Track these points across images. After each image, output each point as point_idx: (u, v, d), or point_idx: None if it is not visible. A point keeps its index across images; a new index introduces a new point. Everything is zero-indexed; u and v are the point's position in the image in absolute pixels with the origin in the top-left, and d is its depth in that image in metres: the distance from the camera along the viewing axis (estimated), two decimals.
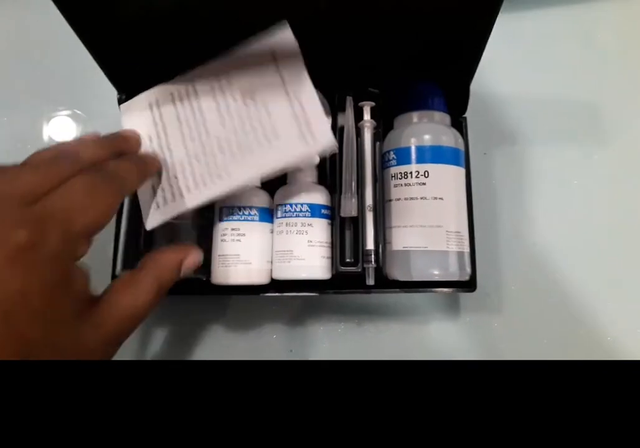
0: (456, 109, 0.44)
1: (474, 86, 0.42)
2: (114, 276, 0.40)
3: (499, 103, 0.51)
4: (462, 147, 0.42)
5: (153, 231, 0.38)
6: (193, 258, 0.33)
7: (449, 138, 0.41)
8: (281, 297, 0.40)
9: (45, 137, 0.51)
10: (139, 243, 0.40)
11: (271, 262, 0.40)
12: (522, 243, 0.48)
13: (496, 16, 0.35)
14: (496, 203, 0.49)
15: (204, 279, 0.40)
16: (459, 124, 0.44)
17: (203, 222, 0.41)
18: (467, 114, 0.44)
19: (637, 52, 0.53)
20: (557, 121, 0.51)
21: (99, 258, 0.42)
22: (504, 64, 0.51)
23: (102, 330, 0.27)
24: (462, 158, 0.42)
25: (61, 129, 0.51)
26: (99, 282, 0.40)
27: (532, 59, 0.53)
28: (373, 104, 0.42)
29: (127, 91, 0.41)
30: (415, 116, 0.42)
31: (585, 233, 0.48)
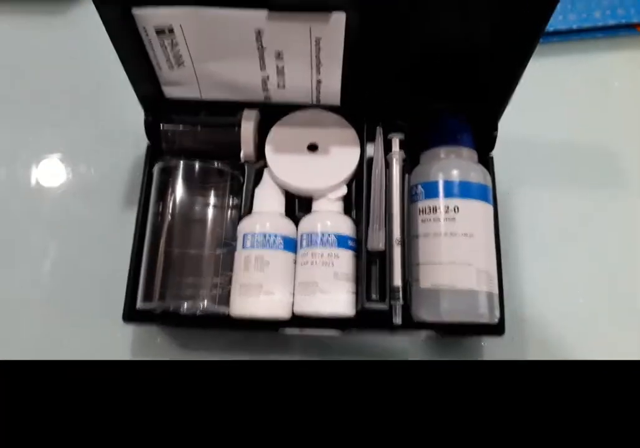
0: (483, 146, 0.43)
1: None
2: (131, 307, 0.38)
3: (522, 144, 0.51)
4: (490, 184, 0.41)
5: (171, 261, 0.37)
6: None
7: (477, 174, 0.40)
8: (302, 335, 0.38)
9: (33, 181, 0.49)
10: (156, 273, 0.38)
11: (293, 295, 0.38)
12: (547, 285, 0.46)
13: (528, 60, 0.36)
14: (518, 244, 0.48)
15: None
16: (485, 162, 0.43)
17: (223, 251, 0.39)
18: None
19: None
20: (580, 164, 0.51)
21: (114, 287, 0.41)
22: (524, 105, 0.51)
23: None
24: (490, 195, 0.41)
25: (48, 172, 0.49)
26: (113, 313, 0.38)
27: (554, 104, 0.53)
28: (402, 135, 0.42)
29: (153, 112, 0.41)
30: (442, 152, 0.41)
31: (608, 278, 0.47)
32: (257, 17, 0.34)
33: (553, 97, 0.54)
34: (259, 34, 0.36)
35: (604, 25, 0.54)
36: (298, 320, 0.38)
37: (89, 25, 0.40)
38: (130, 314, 0.38)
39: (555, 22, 0.53)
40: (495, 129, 0.43)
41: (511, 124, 0.43)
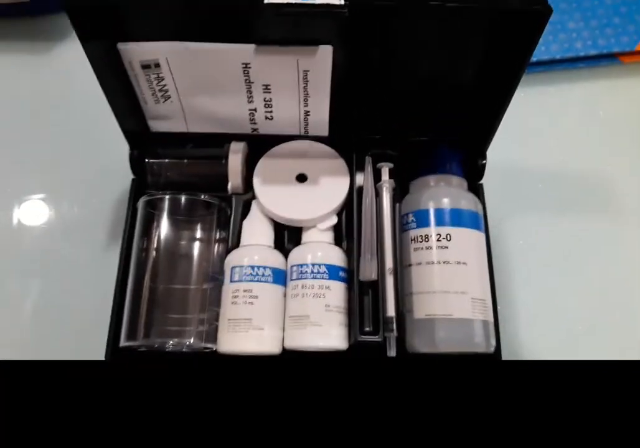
0: (472, 175, 0.43)
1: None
2: (114, 344, 0.36)
3: (511, 172, 0.51)
4: (481, 212, 0.41)
5: (156, 297, 0.36)
6: None
7: (468, 202, 0.40)
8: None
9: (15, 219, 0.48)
10: (141, 310, 0.37)
11: (283, 329, 0.37)
12: (541, 315, 0.45)
13: (512, 93, 0.36)
14: (512, 272, 0.47)
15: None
16: (475, 190, 0.43)
17: (210, 285, 0.38)
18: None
19: (636, 127, 0.55)
20: (568, 192, 0.51)
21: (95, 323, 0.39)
22: (512, 134, 0.52)
23: None
24: (481, 222, 0.41)
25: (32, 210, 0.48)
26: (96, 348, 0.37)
27: (541, 132, 0.54)
28: (392, 165, 0.42)
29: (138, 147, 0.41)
30: (432, 180, 0.41)
31: (606, 307, 0.46)
32: (244, 51, 0.35)
33: (539, 125, 0.54)
34: (246, 68, 0.36)
35: (586, 55, 0.55)
36: (289, 356, 0.37)
37: (73, 63, 0.41)
38: (114, 353, 0.36)
39: (539, 52, 0.54)
40: (484, 157, 0.43)
41: (500, 152, 0.43)
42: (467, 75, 0.37)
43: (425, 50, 0.35)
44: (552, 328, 0.45)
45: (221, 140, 0.42)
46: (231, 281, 0.37)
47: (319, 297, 0.36)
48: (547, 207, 0.50)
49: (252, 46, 0.34)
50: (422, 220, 0.39)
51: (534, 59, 0.55)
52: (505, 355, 0.38)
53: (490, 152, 0.42)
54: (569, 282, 0.47)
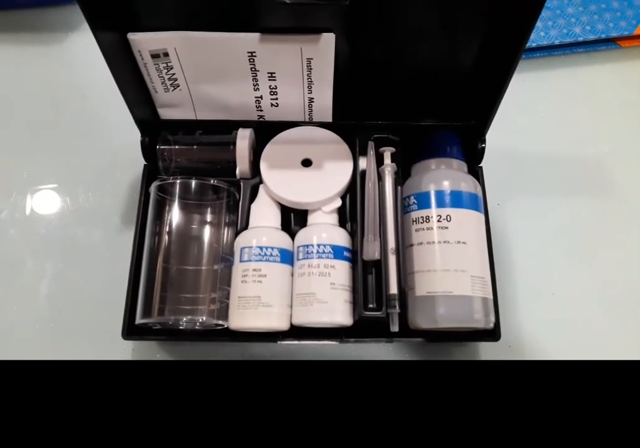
0: (472, 159, 0.45)
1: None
2: (130, 324, 0.38)
3: (510, 157, 0.52)
4: (480, 194, 0.42)
5: (169, 278, 0.37)
6: None
7: (468, 184, 0.41)
8: (299, 345, 0.39)
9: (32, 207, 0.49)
10: (155, 290, 0.38)
11: (291, 307, 0.39)
12: (540, 293, 0.47)
13: (510, 77, 0.37)
14: (511, 253, 0.48)
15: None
16: (474, 173, 0.45)
17: (220, 266, 0.40)
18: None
19: (634, 110, 0.56)
20: (566, 175, 0.52)
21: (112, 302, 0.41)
22: (511, 118, 0.53)
23: None
24: (481, 204, 0.42)
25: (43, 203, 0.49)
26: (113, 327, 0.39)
27: (540, 116, 0.55)
28: (394, 149, 0.43)
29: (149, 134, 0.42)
30: (433, 163, 0.43)
31: (601, 284, 0.47)
32: (250, 39, 0.36)
33: (538, 109, 0.55)
34: (251, 56, 0.37)
35: (585, 40, 0.55)
36: (296, 331, 0.38)
37: (85, 53, 0.42)
38: (130, 330, 0.38)
39: (538, 38, 0.55)
40: (483, 141, 0.44)
41: (499, 136, 0.44)
42: (467, 60, 0.38)
43: (425, 36, 0.36)
44: (549, 305, 0.46)
45: (229, 127, 0.43)
46: (241, 261, 0.39)
47: (325, 275, 0.38)
48: (545, 189, 0.51)
49: (257, 35, 0.36)
50: (423, 202, 0.40)
51: (533, 44, 0.56)
52: (504, 331, 0.40)
53: (490, 136, 0.43)
54: (565, 260, 0.48)
